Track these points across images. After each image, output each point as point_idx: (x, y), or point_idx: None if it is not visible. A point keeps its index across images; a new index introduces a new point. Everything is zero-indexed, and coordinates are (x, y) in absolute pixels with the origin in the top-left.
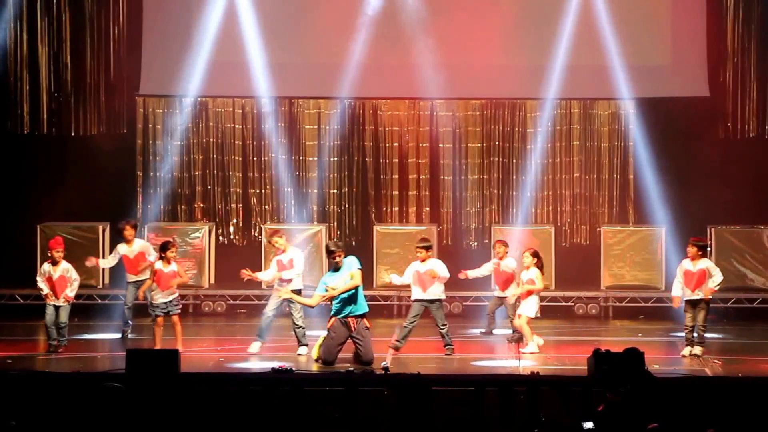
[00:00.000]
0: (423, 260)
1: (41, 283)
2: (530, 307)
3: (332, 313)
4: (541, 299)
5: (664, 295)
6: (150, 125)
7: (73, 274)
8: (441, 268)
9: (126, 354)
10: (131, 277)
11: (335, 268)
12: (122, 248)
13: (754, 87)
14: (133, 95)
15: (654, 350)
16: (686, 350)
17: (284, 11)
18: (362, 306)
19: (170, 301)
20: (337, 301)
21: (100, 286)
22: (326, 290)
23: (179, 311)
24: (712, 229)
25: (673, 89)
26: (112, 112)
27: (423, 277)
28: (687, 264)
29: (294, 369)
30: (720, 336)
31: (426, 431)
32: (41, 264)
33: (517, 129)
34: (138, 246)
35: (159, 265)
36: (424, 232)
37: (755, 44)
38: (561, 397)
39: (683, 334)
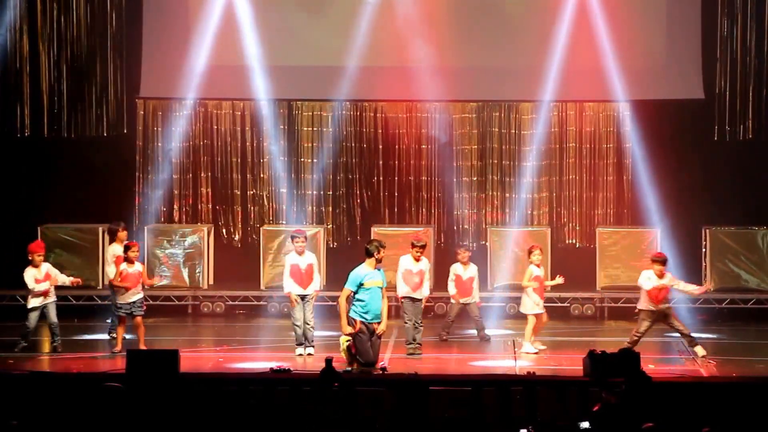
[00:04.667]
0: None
1: (32, 283)
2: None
3: (357, 317)
4: None
5: None
6: (150, 128)
7: (53, 270)
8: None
9: (126, 354)
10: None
11: (376, 267)
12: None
13: (748, 89)
14: (133, 98)
15: (649, 350)
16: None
17: (282, 14)
18: (382, 314)
19: (134, 302)
20: (365, 308)
21: (100, 287)
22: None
23: (143, 313)
24: (707, 230)
25: (668, 91)
26: (112, 115)
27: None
28: (655, 280)
29: (292, 369)
30: (715, 336)
31: (423, 431)
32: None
33: (513, 131)
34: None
35: (123, 266)
36: (421, 234)
37: (750, 46)
38: (557, 397)
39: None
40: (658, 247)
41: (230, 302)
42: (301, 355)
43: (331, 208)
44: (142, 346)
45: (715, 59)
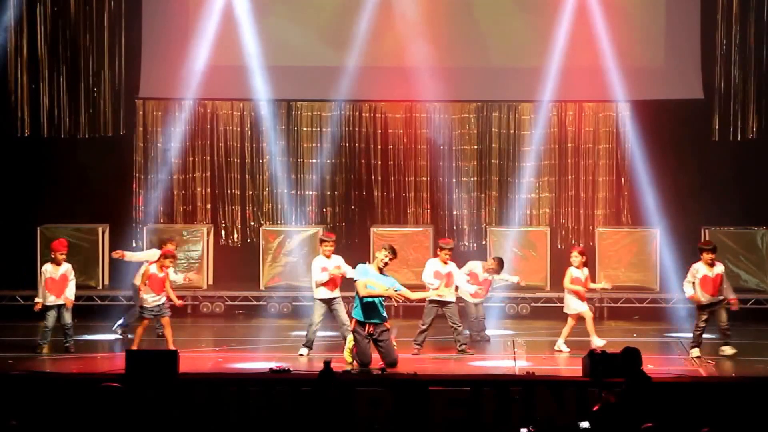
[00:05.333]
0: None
1: (41, 282)
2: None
3: (353, 315)
4: (536, 300)
5: (659, 296)
6: (149, 128)
7: (72, 275)
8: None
9: (125, 355)
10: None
11: (380, 270)
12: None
13: (748, 89)
14: (133, 98)
15: (648, 351)
16: (726, 349)
17: (281, 14)
18: (381, 316)
19: (162, 304)
20: (361, 307)
21: (100, 287)
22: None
23: (169, 314)
24: (706, 231)
25: (667, 91)
26: (111, 115)
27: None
28: (704, 269)
29: (292, 369)
30: (714, 336)
31: (423, 431)
32: (41, 265)
33: (512, 131)
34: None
35: (153, 269)
36: (421, 234)
37: (749, 46)
38: (556, 397)
39: (694, 336)
40: (657, 247)
41: (230, 302)
42: (302, 355)
43: (330, 209)
44: (171, 346)
45: (714, 59)
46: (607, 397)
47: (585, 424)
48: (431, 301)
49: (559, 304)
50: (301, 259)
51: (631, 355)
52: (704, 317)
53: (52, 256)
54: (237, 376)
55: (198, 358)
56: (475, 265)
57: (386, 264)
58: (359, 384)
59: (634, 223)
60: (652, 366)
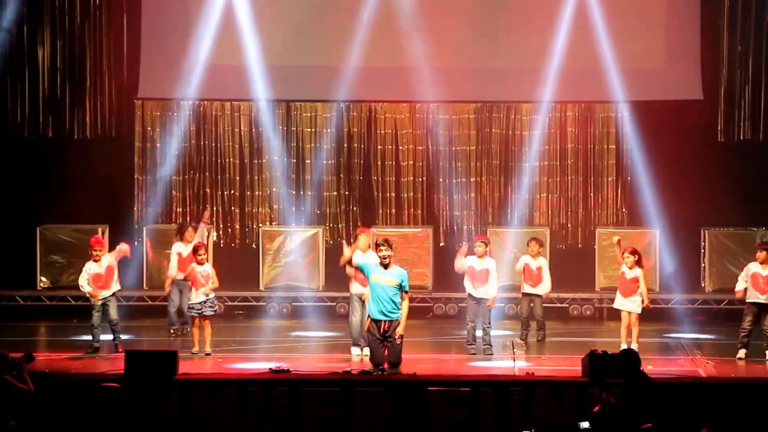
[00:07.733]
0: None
1: (85, 284)
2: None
3: (368, 312)
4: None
5: (659, 297)
6: (148, 128)
7: (115, 266)
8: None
9: (125, 355)
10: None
11: (384, 265)
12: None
13: (748, 90)
14: (132, 98)
15: (648, 351)
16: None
17: (281, 15)
18: (395, 314)
19: (205, 302)
20: (370, 304)
21: None
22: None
23: (213, 313)
24: (706, 231)
25: (667, 92)
26: (110, 115)
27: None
28: (756, 267)
29: (291, 369)
30: (713, 337)
31: (422, 431)
32: (41, 265)
33: (512, 132)
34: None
35: (193, 266)
36: (420, 234)
37: (749, 47)
38: (556, 398)
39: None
40: (656, 248)
41: (229, 303)
42: (358, 355)
43: (329, 209)
44: (207, 347)
45: (714, 60)
46: (607, 398)
47: (585, 425)
48: (468, 297)
49: (558, 305)
50: (301, 260)
51: (629, 357)
52: (748, 318)
53: (90, 253)
54: (236, 376)
55: (197, 358)
56: (523, 258)
57: (386, 258)
58: (358, 384)
59: (634, 223)
60: (652, 366)
